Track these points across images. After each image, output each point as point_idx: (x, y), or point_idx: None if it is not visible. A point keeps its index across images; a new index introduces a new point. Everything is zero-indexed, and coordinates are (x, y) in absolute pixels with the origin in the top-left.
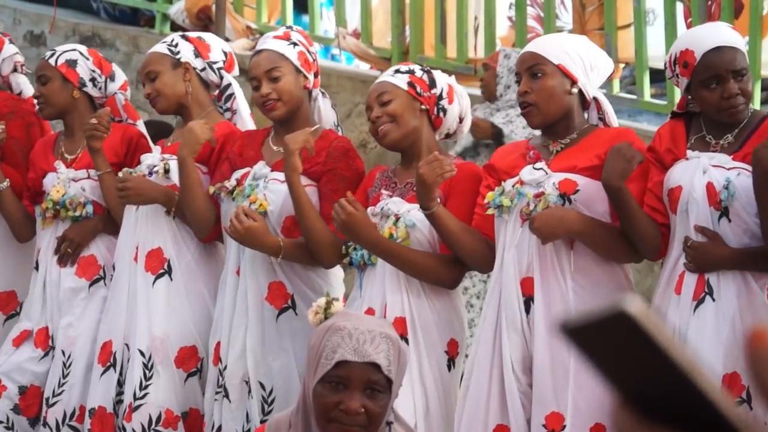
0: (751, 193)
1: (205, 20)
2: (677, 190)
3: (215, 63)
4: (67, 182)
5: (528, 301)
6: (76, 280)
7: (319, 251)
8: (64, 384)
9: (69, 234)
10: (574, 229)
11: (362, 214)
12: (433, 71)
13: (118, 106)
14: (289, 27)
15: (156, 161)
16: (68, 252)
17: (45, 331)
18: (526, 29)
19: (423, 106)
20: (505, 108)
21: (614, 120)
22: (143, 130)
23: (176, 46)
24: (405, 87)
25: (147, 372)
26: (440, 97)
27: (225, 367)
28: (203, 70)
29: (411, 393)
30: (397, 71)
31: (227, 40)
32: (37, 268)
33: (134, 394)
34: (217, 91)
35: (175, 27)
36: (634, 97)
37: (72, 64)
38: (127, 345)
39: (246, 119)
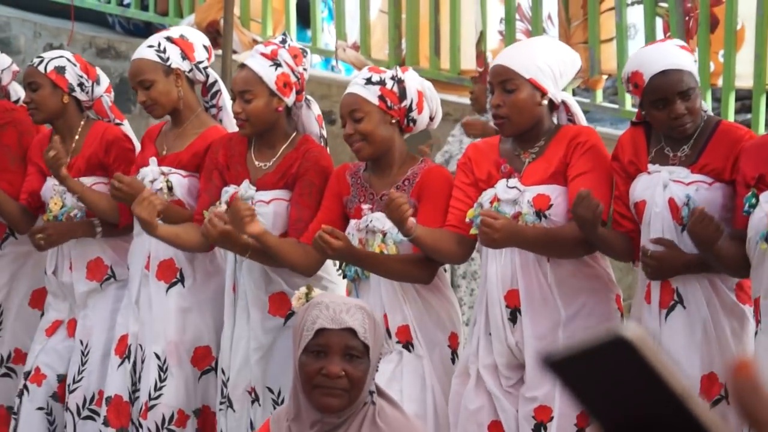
0: (710, 206)
1: (214, 33)
2: (641, 204)
3: (201, 62)
4: (63, 193)
5: (514, 312)
6: (87, 284)
7: (300, 271)
8: (83, 371)
9: (49, 228)
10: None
11: (345, 243)
12: (404, 80)
13: (105, 108)
14: (283, 41)
15: (156, 175)
16: (40, 244)
17: (74, 322)
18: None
19: (393, 120)
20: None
21: (582, 120)
22: (128, 130)
23: (165, 51)
24: (376, 102)
25: (162, 374)
26: (410, 109)
27: (228, 379)
28: (190, 71)
29: (422, 394)
30: (369, 81)
31: (235, 52)
32: (53, 272)
33: (149, 394)
34: (201, 86)
35: None
36: (616, 106)
37: (61, 70)
38: (140, 345)
39: (232, 116)
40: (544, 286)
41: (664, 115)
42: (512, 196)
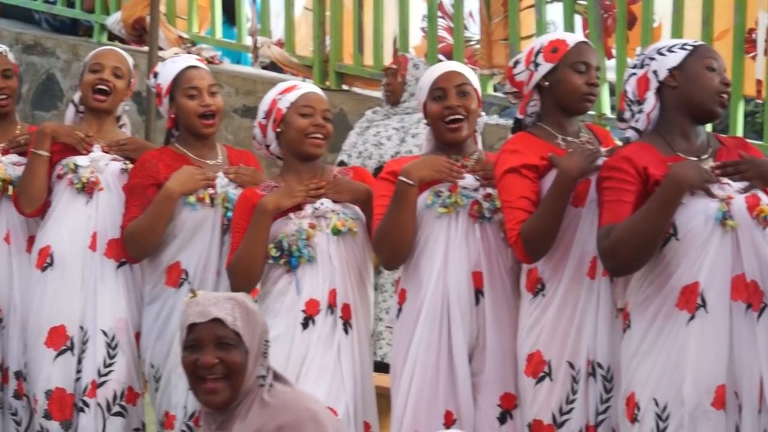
0: None
1: (140, 30)
2: None
3: None
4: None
5: (477, 293)
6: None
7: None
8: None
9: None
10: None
11: None
12: None
13: None
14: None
15: (107, 161)
16: (20, 144)
17: None
18: (437, 39)
19: None
20: (401, 114)
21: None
22: None
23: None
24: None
25: (111, 351)
26: None
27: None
28: None
29: (351, 372)
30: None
31: (161, 49)
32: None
33: (99, 372)
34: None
35: (112, 37)
36: None
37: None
38: (81, 327)
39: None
40: (503, 272)
41: (583, 80)
42: (472, 182)
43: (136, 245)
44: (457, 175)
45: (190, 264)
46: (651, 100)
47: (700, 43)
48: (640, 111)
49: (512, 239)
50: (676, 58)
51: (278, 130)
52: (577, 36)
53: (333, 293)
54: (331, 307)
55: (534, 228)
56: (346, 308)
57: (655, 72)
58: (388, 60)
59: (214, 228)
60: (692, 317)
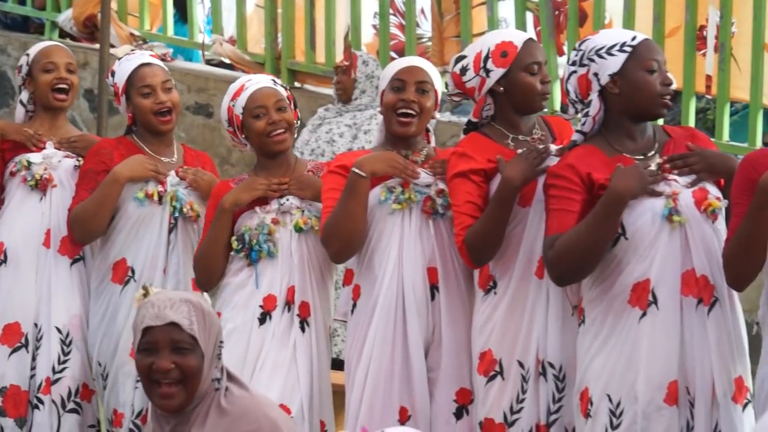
0: None
1: (92, 28)
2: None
3: None
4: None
5: (432, 288)
6: None
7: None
8: None
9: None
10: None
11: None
12: None
13: None
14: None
15: (60, 157)
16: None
17: None
18: (389, 36)
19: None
20: (353, 111)
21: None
22: None
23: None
24: (287, 100)
25: (65, 347)
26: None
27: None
28: None
29: (308, 370)
30: (275, 82)
31: (112, 46)
32: None
33: (53, 368)
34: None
35: (63, 34)
36: None
37: None
38: (35, 324)
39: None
40: (457, 267)
41: (537, 80)
42: (425, 179)
43: (81, 227)
44: (411, 173)
45: (137, 262)
46: (595, 104)
47: (639, 40)
48: (586, 114)
49: (458, 244)
50: (615, 63)
51: (243, 136)
52: (521, 34)
53: (291, 290)
54: (289, 304)
55: (478, 234)
56: (304, 306)
57: (596, 75)
58: (340, 57)
59: (161, 226)
60: (644, 314)
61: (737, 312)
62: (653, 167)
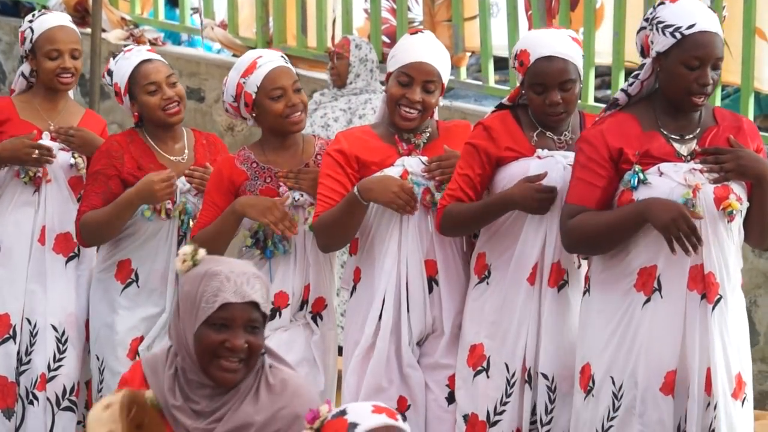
0: None
1: (83, 12)
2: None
3: None
4: None
5: (431, 281)
6: None
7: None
8: None
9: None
10: None
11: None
12: None
13: None
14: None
15: (56, 150)
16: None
17: None
18: (380, 20)
19: None
20: (348, 95)
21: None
22: None
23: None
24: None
25: (60, 346)
26: None
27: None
28: None
29: (322, 365)
30: (285, 60)
31: (104, 30)
32: None
33: (49, 366)
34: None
35: None
36: (479, 83)
37: None
38: (28, 320)
39: None
40: (458, 259)
41: (540, 100)
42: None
43: (91, 236)
44: (410, 211)
45: (142, 267)
46: (647, 68)
47: (692, 31)
48: (636, 76)
49: (438, 206)
50: (664, 44)
51: (253, 114)
52: (543, 48)
53: (307, 289)
54: (305, 302)
55: (456, 216)
56: (318, 301)
57: (653, 43)
58: (330, 42)
59: (169, 239)
60: (648, 300)
61: (740, 310)
62: (684, 153)
